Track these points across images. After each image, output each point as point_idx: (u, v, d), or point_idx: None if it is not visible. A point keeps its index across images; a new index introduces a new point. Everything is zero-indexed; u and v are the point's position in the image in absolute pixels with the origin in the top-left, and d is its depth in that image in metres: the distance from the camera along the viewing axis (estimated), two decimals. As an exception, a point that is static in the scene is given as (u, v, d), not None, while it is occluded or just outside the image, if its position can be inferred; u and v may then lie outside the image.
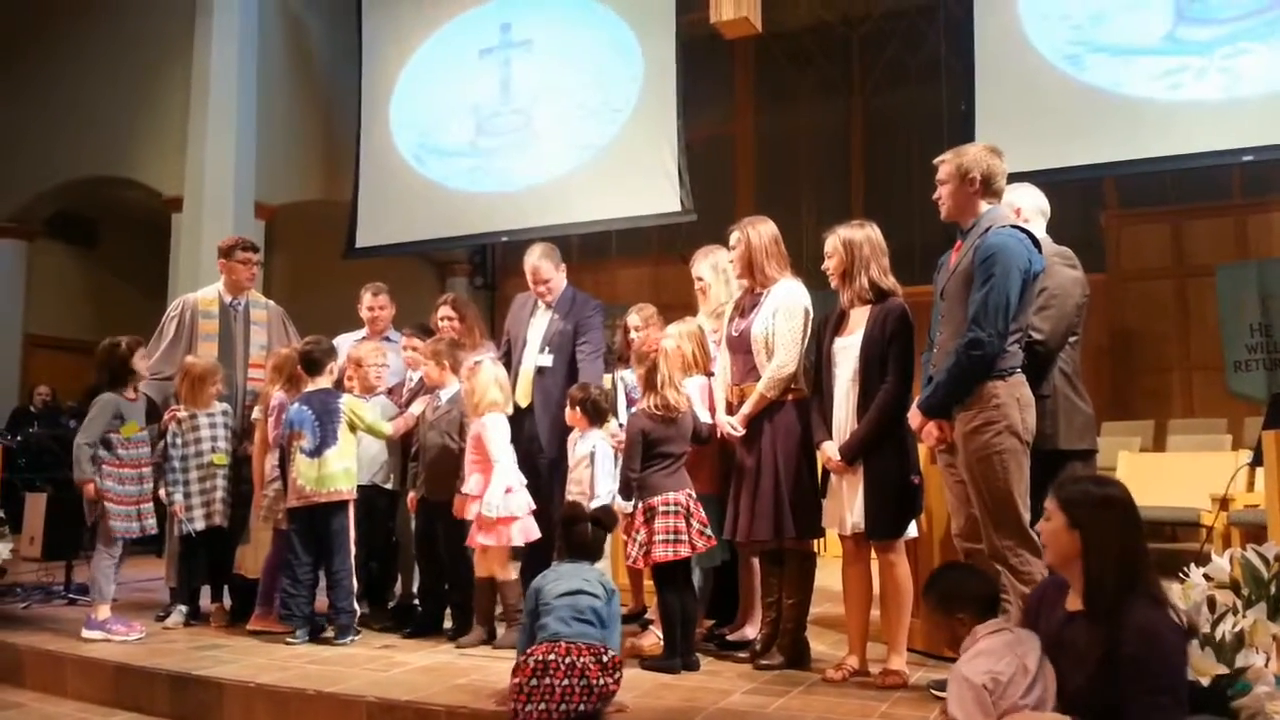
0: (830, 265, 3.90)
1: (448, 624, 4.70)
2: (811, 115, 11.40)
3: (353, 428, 4.71)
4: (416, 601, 4.93)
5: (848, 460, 3.73)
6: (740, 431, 4.02)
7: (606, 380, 5.07)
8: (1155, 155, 7.69)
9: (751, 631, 4.31)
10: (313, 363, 4.78)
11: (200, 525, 4.91)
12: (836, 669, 3.75)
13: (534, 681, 3.14)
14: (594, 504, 4.28)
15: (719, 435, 4.20)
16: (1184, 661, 2.52)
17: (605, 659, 3.21)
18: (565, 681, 3.13)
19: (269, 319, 5.54)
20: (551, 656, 3.17)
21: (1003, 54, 8.22)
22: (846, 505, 3.76)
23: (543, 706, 3.12)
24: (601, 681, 3.17)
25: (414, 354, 5.15)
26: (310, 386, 4.77)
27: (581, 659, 3.17)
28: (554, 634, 3.26)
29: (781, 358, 3.97)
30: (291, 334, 5.57)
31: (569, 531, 3.64)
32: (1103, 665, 2.46)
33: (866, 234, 3.86)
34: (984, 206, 3.46)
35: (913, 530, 3.85)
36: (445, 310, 5.48)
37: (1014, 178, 3.73)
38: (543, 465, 4.94)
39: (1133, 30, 7.77)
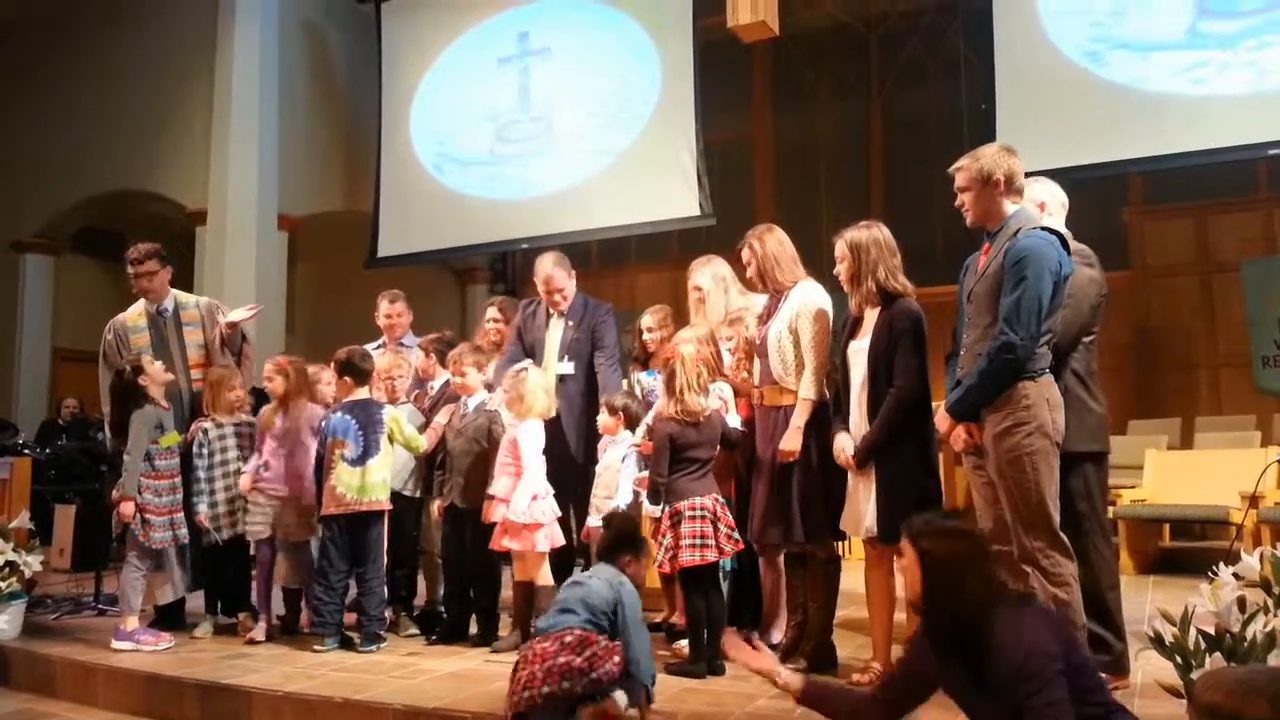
0: (841, 270, 3.88)
1: (472, 630, 4.71)
2: (830, 117, 11.37)
3: (390, 439, 4.74)
4: (441, 608, 4.94)
5: (858, 463, 3.72)
6: (796, 450, 3.94)
7: (623, 384, 5.09)
8: (1179, 151, 7.62)
9: (777, 635, 4.30)
10: (358, 372, 4.81)
11: (226, 535, 4.94)
12: (863, 672, 3.74)
13: (513, 682, 3.21)
14: (613, 504, 4.35)
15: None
16: (1050, 652, 2.39)
17: (569, 639, 3.18)
18: (527, 671, 3.16)
19: (201, 317, 5.47)
20: (522, 652, 3.27)
21: (1023, 51, 8.18)
22: (862, 509, 3.75)
23: (514, 699, 3.16)
24: (562, 660, 3.12)
25: (427, 363, 5.23)
26: (351, 396, 4.80)
27: (544, 644, 3.20)
28: (538, 630, 3.32)
29: (813, 362, 3.96)
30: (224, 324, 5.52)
31: (608, 541, 3.63)
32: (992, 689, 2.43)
33: (873, 235, 3.82)
34: (1010, 207, 3.42)
35: None
36: (492, 312, 5.56)
37: (1036, 175, 3.70)
38: (570, 472, 4.94)
39: (1153, 25, 7.71)
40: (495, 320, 5.52)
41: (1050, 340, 3.34)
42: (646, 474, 4.30)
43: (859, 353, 3.82)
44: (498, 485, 4.44)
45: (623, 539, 3.62)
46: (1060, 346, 3.53)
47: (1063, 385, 3.50)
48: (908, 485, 3.67)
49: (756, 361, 4.24)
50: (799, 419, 3.94)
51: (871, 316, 3.82)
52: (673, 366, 4.10)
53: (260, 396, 6.32)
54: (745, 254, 4.21)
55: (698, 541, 3.91)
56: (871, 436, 3.70)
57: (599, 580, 3.41)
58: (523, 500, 4.35)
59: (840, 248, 3.86)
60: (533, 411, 4.51)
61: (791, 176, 11.47)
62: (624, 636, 3.30)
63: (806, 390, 3.95)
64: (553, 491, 4.50)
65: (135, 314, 5.42)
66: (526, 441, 4.45)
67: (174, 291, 5.48)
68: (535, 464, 4.44)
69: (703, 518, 3.95)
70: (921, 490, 3.70)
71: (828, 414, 3.95)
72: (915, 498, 3.66)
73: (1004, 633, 2.41)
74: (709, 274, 4.65)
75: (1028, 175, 3.57)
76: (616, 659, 3.22)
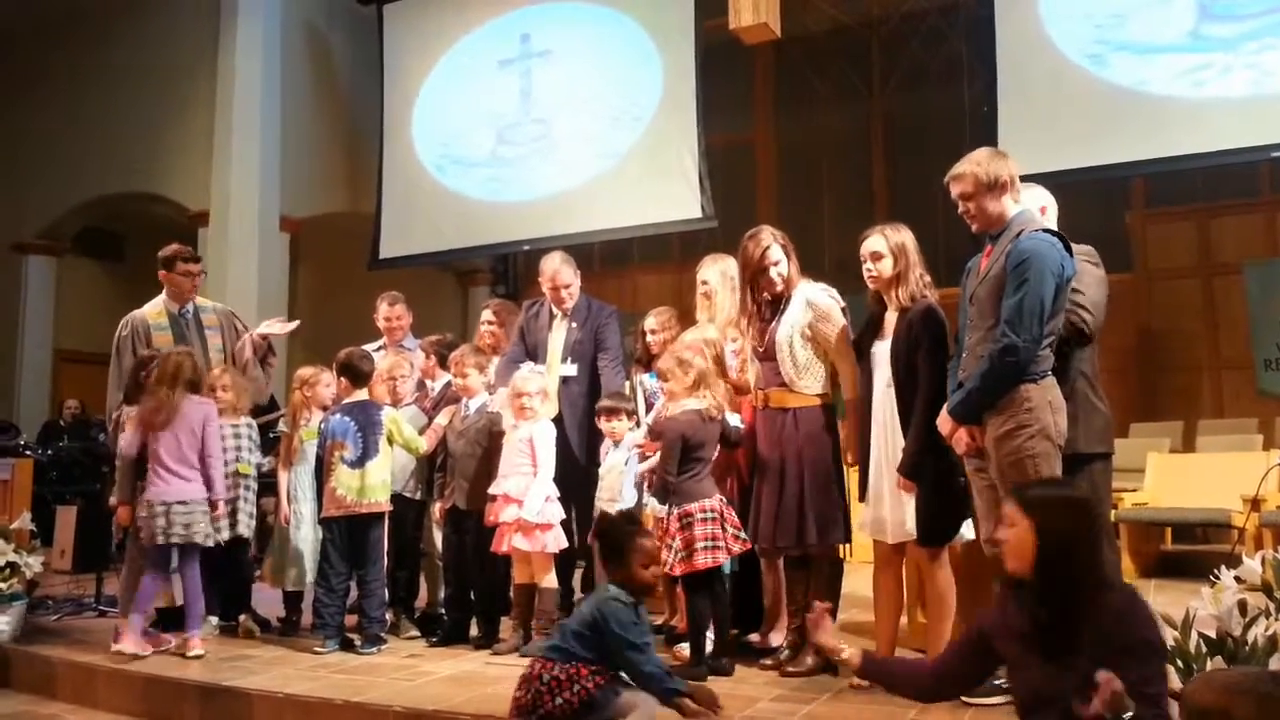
0: (881, 267, 3.80)
1: (474, 632, 4.70)
2: (832, 119, 11.37)
3: (390, 440, 4.73)
4: (442, 610, 4.94)
5: (910, 478, 3.66)
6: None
7: (625, 386, 5.08)
8: (1181, 153, 7.62)
9: (778, 638, 4.29)
10: (357, 374, 4.80)
11: (225, 535, 4.93)
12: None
13: None
14: (617, 507, 4.32)
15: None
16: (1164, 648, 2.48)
17: (522, 674, 3.21)
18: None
19: (220, 322, 5.51)
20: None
21: (1025, 54, 8.18)
22: (891, 511, 3.73)
23: None
24: (514, 695, 3.19)
25: (428, 365, 5.25)
26: (350, 397, 4.80)
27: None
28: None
29: (848, 362, 3.98)
30: (243, 332, 5.58)
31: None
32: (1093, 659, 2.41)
33: (910, 237, 3.83)
34: (1012, 208, 3.42)
35: (968, 533, 3.79)
36: (487, 315, 5.55)
37: (1038, 178, 3.70)
38: (573, 474, 4.92)
39: (1155, 28, 7.71)
40: (490, 324, 5.49)
41: (1052, 342, 3.33)
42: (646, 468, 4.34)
43: (881, 353, 3.82)
44: (508, 484, 4.42)
45: (602, 546, 3.47)
46: (1092, 329, 3.53)
47: (1070, 387, 3.49)
48: (946, 487, 3.65)
49: (755, 364, 4.22)
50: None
51: (891, 318, 3.82)
52: (696, 363, 4.09)
53: (274, 403, 6.34)
54: (777, 256, 4.10)
55: (709, 544, 3.91)
56: (913, 447, 3.66)
57: (588, 601, 3.31)
58: (537, 500, 4.36)
59: (879, 245, 3.80)
60: (548, 412, 4.53)
61: (793, 179, 11.48)
62: (618, 659, 3.14)
63: (846, 388, 3.98)
64: (559, 495, 4.51)
65: (155, 311, 5.42)
66: (542, 441, 4.46)
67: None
68: (550, 464, 4.45)
69: (713, 519, 3.95)
70: (956, 491, 3.66)
71: (835, 417, 3.95)
72: (955, 499, 3.65)
73: (1128, 607, 2.40)
74: (717, 271, 4.63)
75: (1034, 180, 3.58)
76: (578, 686, 3.07)
